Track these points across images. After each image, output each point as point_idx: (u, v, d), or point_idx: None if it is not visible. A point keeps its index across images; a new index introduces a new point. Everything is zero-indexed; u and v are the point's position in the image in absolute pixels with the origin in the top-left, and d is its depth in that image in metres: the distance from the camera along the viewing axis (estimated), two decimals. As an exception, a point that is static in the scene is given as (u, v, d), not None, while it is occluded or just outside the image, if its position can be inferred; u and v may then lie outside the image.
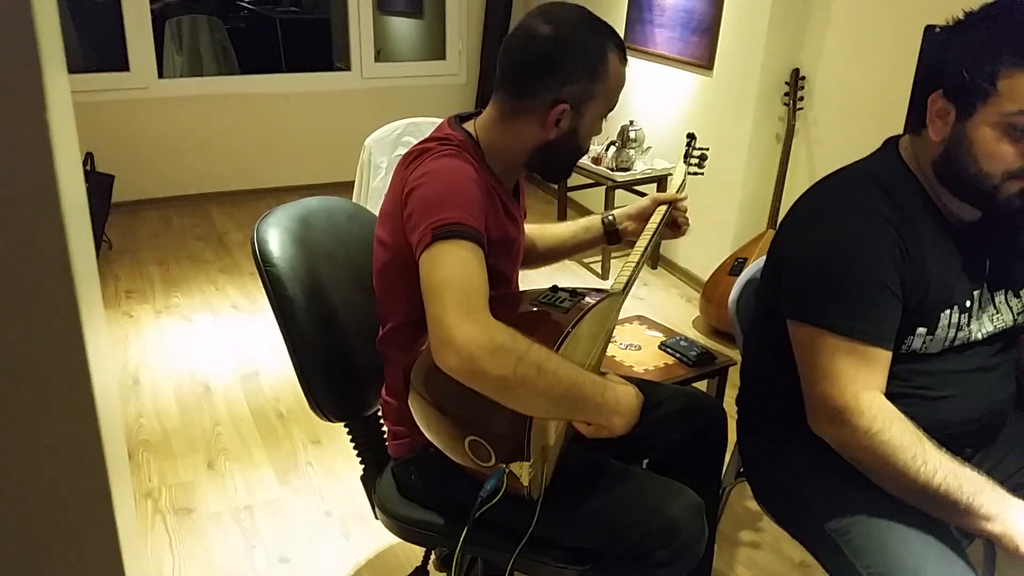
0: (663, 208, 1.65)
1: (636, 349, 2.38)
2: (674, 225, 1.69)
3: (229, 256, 4.08)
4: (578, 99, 1.33)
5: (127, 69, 4.49)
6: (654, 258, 4.08)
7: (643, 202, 1.69)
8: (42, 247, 0.50)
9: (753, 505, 1.56)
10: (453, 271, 1.14)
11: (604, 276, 3.96)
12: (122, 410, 2.75)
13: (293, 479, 2.43)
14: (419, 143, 1.35)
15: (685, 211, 1.70)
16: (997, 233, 1.38)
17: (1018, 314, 1.40)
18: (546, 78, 1.31)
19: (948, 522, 1.24)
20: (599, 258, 4.07)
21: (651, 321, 2.58)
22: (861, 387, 1.26)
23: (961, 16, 1.28)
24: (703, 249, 3.75)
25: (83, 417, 0.56)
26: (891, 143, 1.42)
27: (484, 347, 1.09)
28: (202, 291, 3.69)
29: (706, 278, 3.46)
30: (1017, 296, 1.40)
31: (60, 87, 0.52)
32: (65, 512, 0.58)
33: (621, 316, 2.59)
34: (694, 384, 2.25)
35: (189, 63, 5.61)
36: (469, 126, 1.40)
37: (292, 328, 1.43)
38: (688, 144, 1.87)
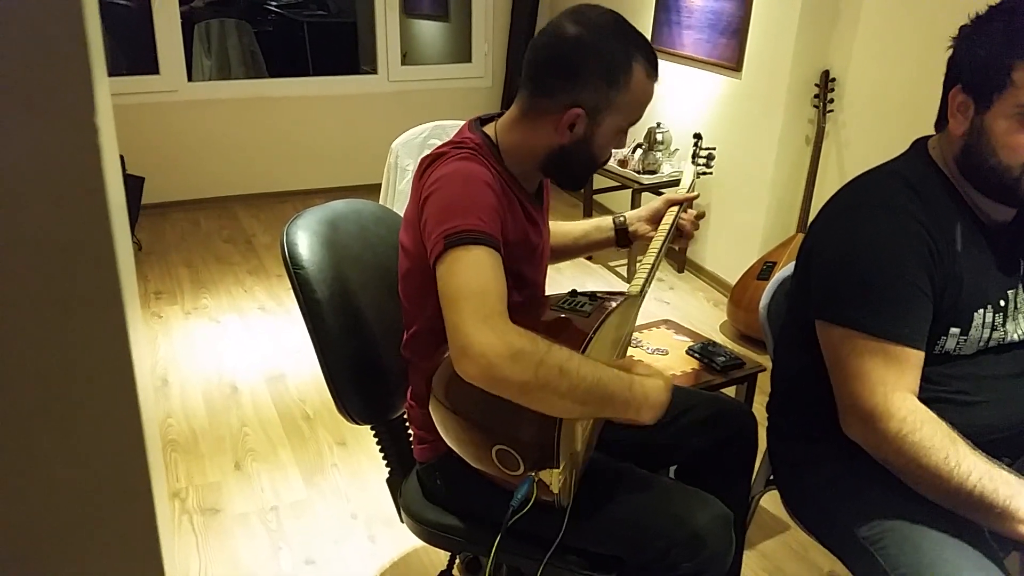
0: (675, 209, 1.63)
1: (664, 354, 2.36)
2: (680, 231, 1.67)
3: (256, 258, 4.11)
4: (595, 106, 1.29)
5: (157, 72, 4.55)
6: (680, 261, 4.06)
7: (655, 203, 1.67)
8: (91, 247, 0.51)
9: (781, 512, 1.54)
10: (468, 278, 1.13)
11: (630, 280, 3.94)
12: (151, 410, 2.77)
13: (319, 481, 2.44)
14: (436, 148, 1.34)
15: (694, 215, 1.68)
16: None
17: (1055, 317, 1.38)
18: (563, 79, 1.28)
19: (984, 526, 1.21)
20: (625, 261, 4.05)
21: (678, 325, 2.56)
22: (891, 387, 1.24)
23: (981, 12, 1.28)
24: (730, 252, 3.72)
25: (128, 416, 0.56)
26: (920, 143, 1.40)
27: (503, 354, 1.08)
28: (230, 293, 3.72)
29: (734, 282, 3.43)
30: (1053, 298, 1.38)
31: (104, 91, 0.53)
32: (109, 510, 0.59)
33: (648, 320, 2.58)
34: (722, 390, 2.22)
35: (217, 66, 5.67)
36: (489, 128, 1.38)
37: (320, 330, 1.43)
38: (695, 144, 1.86)
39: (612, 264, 4.11)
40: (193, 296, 3.68)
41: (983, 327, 1.31)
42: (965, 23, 1.30)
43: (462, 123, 1.43)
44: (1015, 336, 1.34)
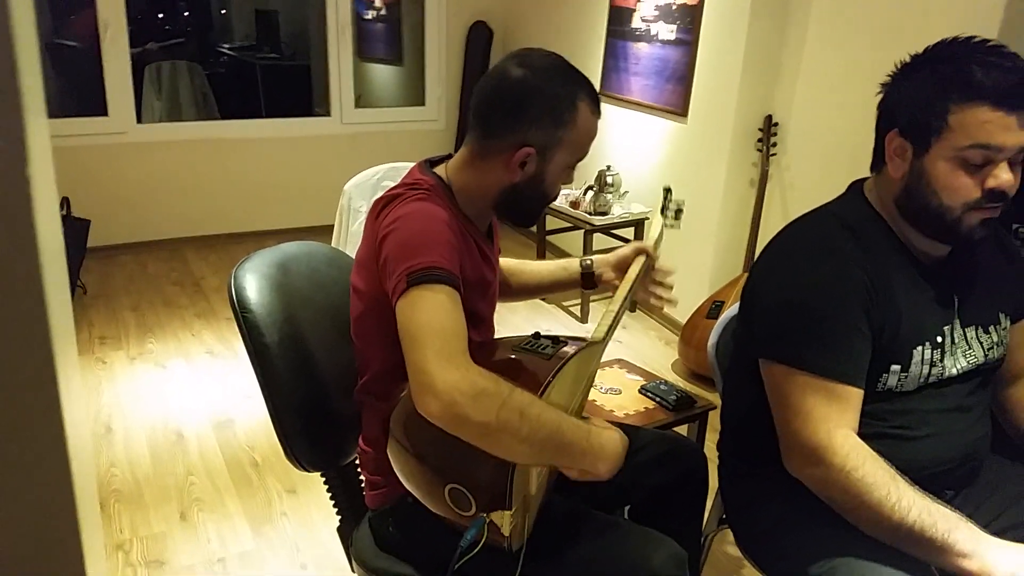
0: (642, 259, 1.66)
1: (616, 393, 2.38)
2: (655, 290, 1.69)
3: (205, 301, 4.05)
4: (544, 144, 1.32)
5: (106, 114, 4.49)
6: (632, 302, 4.10)
7: (623, 251, 1.69)
8: (18, 295, 0.49)
9: (735, 551, 1.55)
10: (431, 316, 1.14)
11: (583, 319, 3.97)
12: (94, 459, 2.69)
13: (268, 530, 2.38)
14: (389, 190, 1.35)
15: (670, 288, 1.70)
16: (964, 269, 1.40)
17: (988, 350, 1.42)
18: (512, 120, 1.31)
19: (925, 561, 1.23)
20: (579, 301, 4.08)
21: (631, 364, 2.58)
22: (834, 425, 1.26)
23: (907, 60, 1.32)
24: (681, 292, 3.74)
25: (55, 470, 0.54)
26: (856, 186, 1.45)
27: (466, 392, 1.08)
28: (177, 337, 3.65)
29: (684, 321, 3.47)
30: (987, 332, 1.42)
31: (41, 133, 0.52)
32: (35, 568, 0.56)
33: (602, 360, 2.59)
34: (675, 428, 2.24)
35: (168, 108, 5.63)
36: (440, 170, 1.40)
37: (269, 375, 1.41)
38: (665, 198, 1.88)
39: (566, 304, 4.13)
40: (139, 341, 3.59)
41: (923, 363, 1.35)
42: (894, 70, 1.35)
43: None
44: (954, 371, 1.38)
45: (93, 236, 4.16)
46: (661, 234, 1.80)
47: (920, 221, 1.33)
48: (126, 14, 4.35)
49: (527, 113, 1.30)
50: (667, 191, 1.89)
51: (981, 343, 1.41)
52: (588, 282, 1.71)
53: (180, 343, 3.59)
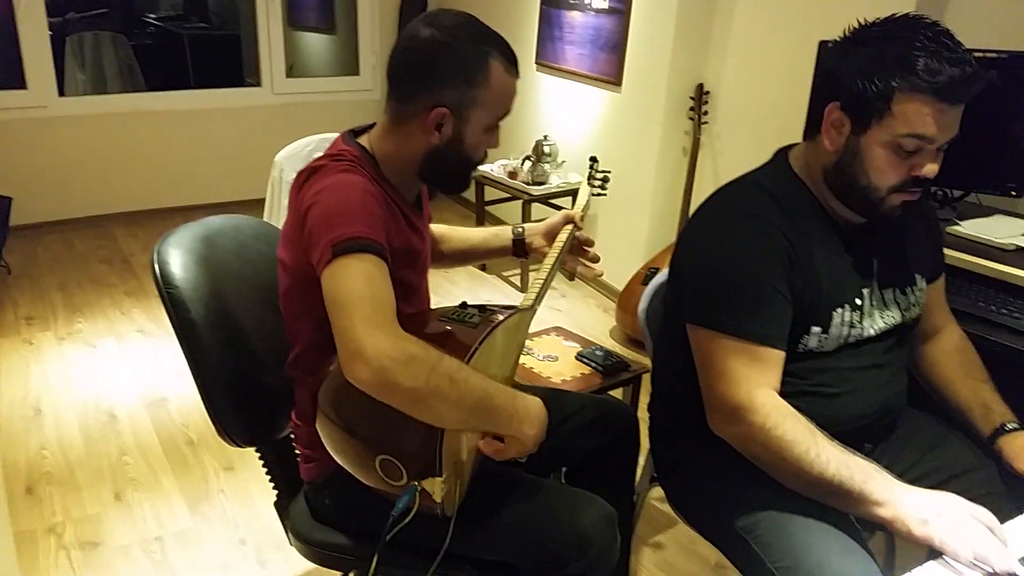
0: (570, 227, 1.67)
1: (553, 360, 2.41)
2: (582, 257, 1.71)
3: (135, 279, 3.95)
4: (458, 104, 1.30)
5: (24, 87, 4.31)
6: (570, 272, 4.13)
7: (553, 219, 1.71)
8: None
9: (668, 509, 1.60)
10: (358, 285, 1.13)
11: (523, 289, 3.99)
12: (23, 442, 2.62)
13: (205, 508, 2.36)
14: (312, 161, 1.33)
15: (596, 259, 1.72)
16: (883, 234, 1.45)
17: (905, 310, 1.47)
18: (424, 82, 1.29)
19: (845, 511, 1.28)
20: (518, 271, 4.10)
21: (568, 332, 2.61)
22: (755, 385, 1.30)
23: (856, 27, 1.33)
24: (618, 260, 3.82)
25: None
26: (781, 153, 1.48)
27: (396, 358, 1.08)
28: (107, 316, 3.56)
29: (621, 288, 3.52)
30: (904, 294, 1.47)
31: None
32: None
33: (539, 328, 2.62)
34: (610, 392, 2.28)
35: (92, 80, 5.42)
36: (364, 139, 1.39)
37: (196, 351, 1.39)
38: (591, 167, 1.91)
39: (506, 274, 4.14)
40: (67, 321, 3.50)
41: (842, 325, 1.39)
42: (837, 37, 1.35)
43: None
44: (872, 331, 1.43)
45: (15, 214, 4.02)
46: (588, 202, 1.82)
47: (845, 195, 1.36)
48: (40, -19, 4.17)
49: (438, 73, 1.28)
50: (593, 160, 1.92)
51: (898, 304, 1.47)
52: (519, 250, 1.72)
53: (110, 322, 3.50)
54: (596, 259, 1.72)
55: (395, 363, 1.08)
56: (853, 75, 1.28)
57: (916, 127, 1.24)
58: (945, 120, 1.25)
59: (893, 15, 1.31)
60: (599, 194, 1.89)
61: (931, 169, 1.29)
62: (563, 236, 1.65)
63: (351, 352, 1.09)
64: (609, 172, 1.91)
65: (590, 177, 1.90)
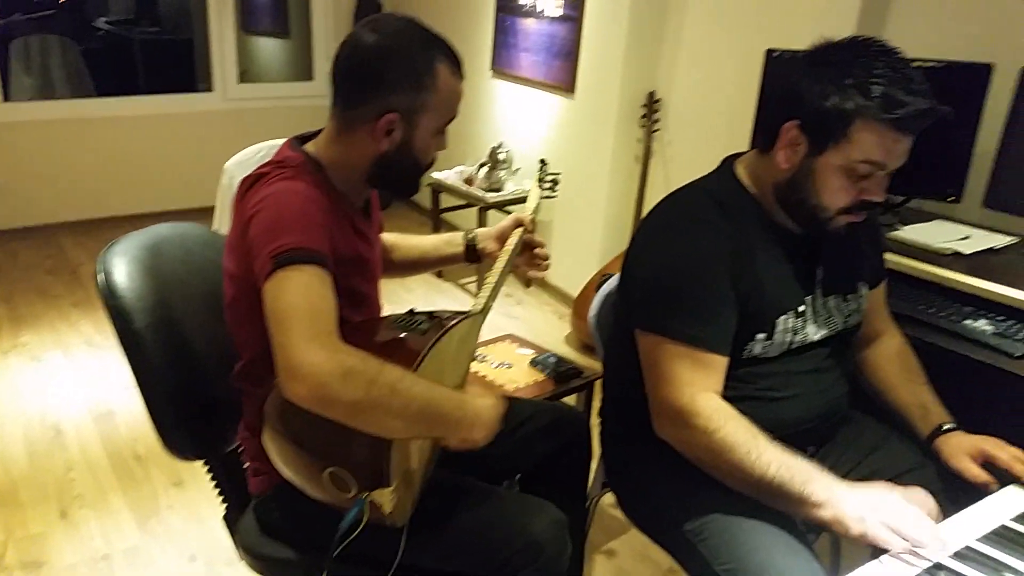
0: (520, 231, 1.68)
1: (508, 367, 2.41)
2: (532, 259, 1.71)
3: (83, 289, 3.86)
4: (408, 109, 1.30)
5: (-34, 92, 4.21)
6: (527, 278, 4.15)
7: (504, 222, 1.71)
8: None
9: (621, 514, 1.61)
10: (297, 297, 1.12)
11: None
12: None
13: (154, 524, 2.31)
14: (256, 169, 1.31)
15: (545, 257, 1.73)
16: (827, 242, 1.48)
17: (847, 316, 1.51)
18: (372, 87, 1.29)
19: (787, 512, 1.30)
20: (475, 278, 4.10)
21: (522, 339, 2.62)
22: (698, 389, 1.33)
23: (819, 46, 1.34)
24: (573, 267, 3.84)
25: None
26: (728, 161, 1.50)
27: (333, 372, 1.07)
28: (53, 328, 3.47)
29: (576, 295, 3.54)
30: (846, 300, 1.51)
31: None
32: None
33: (494, 335, 2.62)
34: (564, 399, 2.29)
35: (39, 85, 5.30)
36: (310, 147, 1.38)
37: (141, 363, 1.37)
38: (540, 169, 1.92)
39: (462, 282, 4.14)
40: (12, 333, 3.41)
41: (786, 331, 1.42)
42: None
43: None
44: (815, 337, 1.46)
45: (-44, 223, 3.91)
46: (539, 204, 1.83)
47: (793, 210, 1.39)
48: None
49: (386, 78, 1.28)
50: (542, 163, 1.94)
51: (841, 310, 1.50)
52: (472, 255, 1.72)
53: (57, 334, 3.42)
54: (546, 257, 1.73)
55: (332, 377, 1.07)
56: (814, 96, 1.30)
57: (871, 154, 1.28)
58: (899, 148, 1.29)
59: (856, 38, 1.33)
60: (549, 196, 1.90)
61: (881, 196, 1.33)
62: (513, 239, 1.66)
63: (287, 369, 1.08)
64: (559, 174, 1.93)
65: (540, 180, 1.91)
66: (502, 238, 1.70)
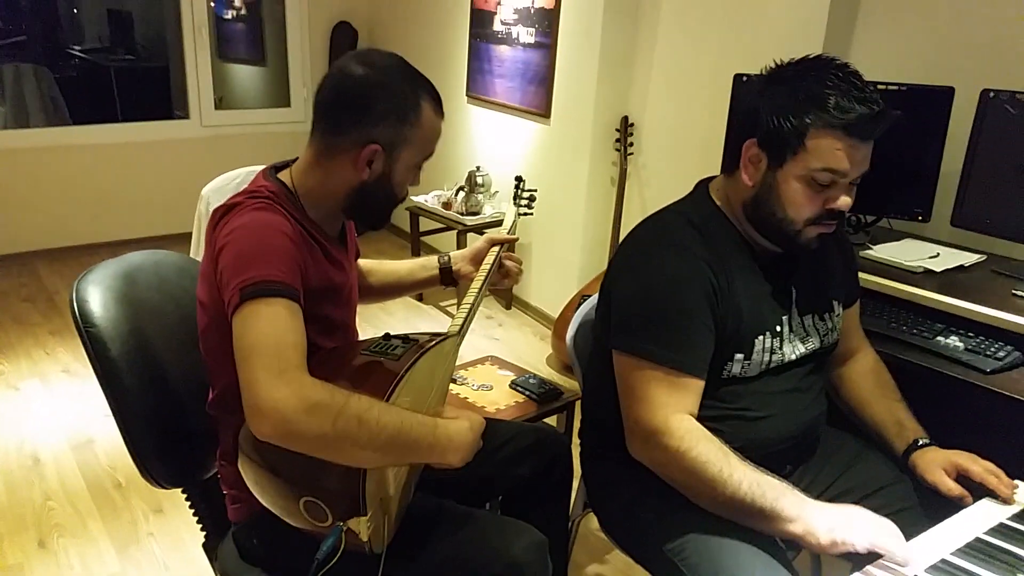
0: (495, 249, 1.70)
1: (488, 389, 2.41)
2: (504, 271, 1.73)
3: (60, 317, 3.83)
4: (390, 142, 1.32)
5: (-61, 121, 4.18)
6: (508, 298, 4.16)
7: (478, 244, 1.73)
8: None
9: (604, 535, 1.62)
10: (262, 331, 1.12)
11: (459, 319, 3.99)
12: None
13: (134, 552, 2.29)
14: (229, 198, 1.32)
15: (519, 262, 1.75)
16: (802, 263, 1.51)
17: (824, 336, 1.53)
18: (358, 117, 1.30)
19: (760, 530, 1.32)
20: (454, 301, 4.10)
21: (502, 361, 2.62)
22: (672, 410, 1.34)
23: (772, 67, 1.39)
24: (552, 288, 3.87)
25: None
26: (702, 184, 1.53)
27: (297, 408, 1.07)
28: (30, 356, 3.44)
29: (556, 315, 3.56)
30: (822, 319, 1.53)
31: None
32: None
33: (474, 357, 2.63)
34: (544, 420, 2.30)
35: (13, 114, 5.28)
36: (285, 175, 1.38)
37: (117, 391, 1.36)
38: (516, 187, 1.94)
39: (443, 304, 4.14)
40: (-13, 362, 3.37)
41: (764, 351, 1.44)
42: (746, 74, 1.42)
43: None
44: (792, 356, 1.48)
45: (-70, 252, 3.87)
46: (516, 222, 1.85)
47: (763, 227, 1.42)
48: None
49: (373, 110, 1.30)
50: (519, 179, 1.95)
51: (817, 330, 1.52)
52: (447, 278, 1.74)
53: (34, 363, 3.38)
54: (520, 273, 1.75)
55: (296, 413, 1.07)
56: (769, 112, 1.34)
57: (829, 162, 1.31)
58: (856, 155, 1.31)
59: (807, 56, 1.38)
60: (526, 213, 1.92)
61: (844, 202, 1.35)
62: (489, 259, 1.68)
63: (252, 406, 1.08)
64: (535, 191, 1.94)
65: (516, 197, 1.92)
66: (477, 259, 1.72)
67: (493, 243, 1.71)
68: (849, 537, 1.20)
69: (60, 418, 2.96)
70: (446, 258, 1.74)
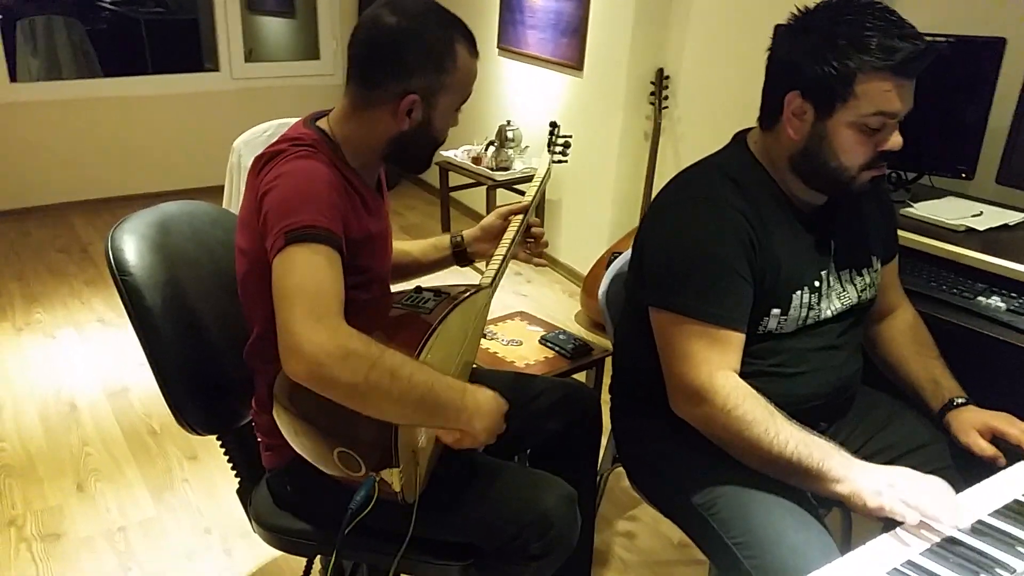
0: (518, 218, 1.67)
1: (518, 344, 2.42)
2: (529, 238, 1.71)
3: (94, 267, 3.89)
4: (428, 90, 1.31)
5: (-27, 73, 4.21)
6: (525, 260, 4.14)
7: (487, 219, 1.70)
8: None
9: (632, 489, 1.62)
10: (304, 276, 1.12)
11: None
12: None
13: (169, 497, 2.34)
14: (270, 145, 1.31)
15: (541, 236, 1.73)
16: (840, 216, 1.48)
17: (861, 291, 1.50)
18: (393, 69, 1.29)
19: (803, 488, 1.31)
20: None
21: (532, 316, 2.62)
22: (715, 367, 1.32)
23: (799, 14, 1.34)
24: (582, 245, 3.84)
25: None
26: (740, 137, 1.50)
27: (333, 353, 1.07)
28: (66, 305, 3.50)
29: (586, 272, 3.54)
30: (860, 275, 1.50)
31: None
32: None
33: (504, 313, 2.63)
34: (574, 375, 2.30)
35: (46, 66, 5.30)
36: (323, 123, 1.37)
37: (152, 339, 1.38)
38: (551, 133, 1.89)
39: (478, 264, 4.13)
40: (25, 311, 3.43)
41: (801, 307, 1.42)
42: (783, 23, 1.37)
43: None
44: (829, 312, 1.46)
45: (-33, 203, 3.94)
46: (549, 170, 1.81)
47: (814, 178, 1.38)
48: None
49: (407, 61, 1.28)
50: (553, 124, 1.90)
51: (855, 285, 1.49)
52: (462, 258, 1.72)
53: (69, 312, 3.44)
54: (544, 245, 1.73)
55: (332, 358, 1.07)
56: (810, 62, 1.29)
57: (880, 105, 1.27)
58: (904, 94, 1.28)
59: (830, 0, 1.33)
60: (560, 161, 1.88)
61: (896, 141, 1.32)
62: (513, 228, 1.65)
63: (288, 346, 1.08)
64: (570, 137, 1.90)
65: (550, 143, 1.89)
66: (489, 235, 1.69)
67: (510, 213, 1.68)
68: (897, 507, 1.17)
69: (96, 366, 3.02)
70: (459, 238, 1.71)
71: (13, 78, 4.37)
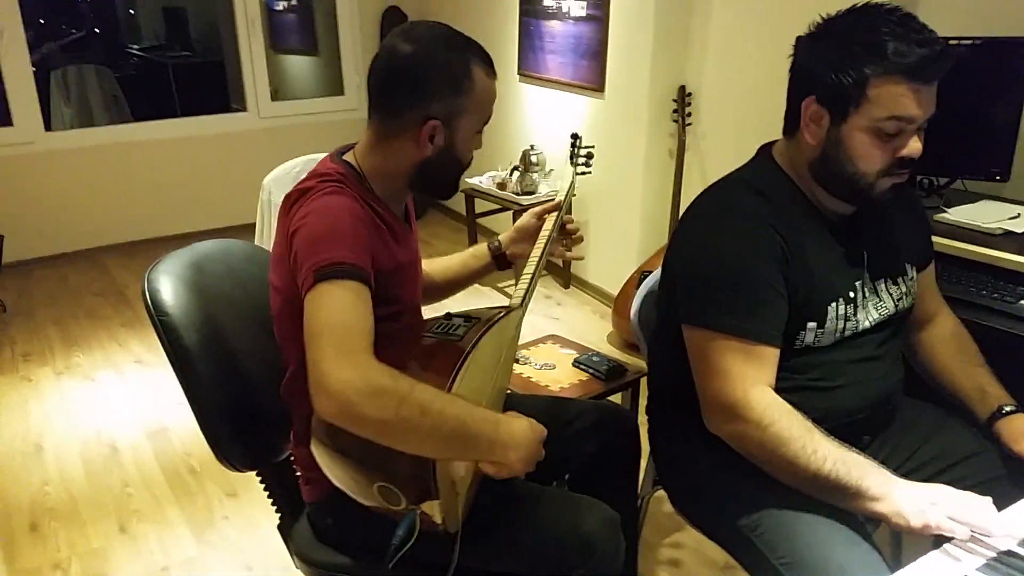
0: (553, 216, 1.67)
1: (551, 368, 2.41)
2: (565, 235, 1.71)
3: (130, 309, 3.95)
4: (448, 114, 1.32)
5: (11, 124, 4.32)
6: (566, 278, 4.14)
7: (521, 220, 1.71)
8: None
9: (674, 511, 1.60)
10: (332, 313, 1.13)
11: (518, 299, 3.98)
12: (24, 479, 2.61)
13: (210, 535, 2.35)
14: (300, 182, 1.33)
15: (576, 231, 1.73)
16: (871, 225, 1.46)
17: (898, 300, 1.48)
18: (411, 97, 1.30)
19: (842, 507, 1.28)
20: (511, 281, 4.10)
21: (564, 339, 2.61)
22: (751, 383, 1.30)
23: (820, 21, 1.34)
24: (611, 265, 3.83)
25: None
26: (765, 150, 1.49)
27: (362, 391, 1.07)
28: (104, 348, 3.55)
29: (616, 293, 3.53)
30: (896, 283, 1.48)
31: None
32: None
33: (535, 336, 2.62)
34: (609, 397, 2.28)
35: (78, 114, 5.44)
36: (350, 156, 1.39)
37: (191, 378, 1.39)
38: (573, 145, 1.89)
39: (500, 285, 4.14)
40: (64, 355, 3.49)
41: (837, 319, 1.39)
42: (803, 34, 1.37)
43: None
44: (867, 323, 1.43)
45: (7, 252, 4.02)
46: (573, 183, 1.81)
47: (834, 185, 1.37)
48: (22, 18, 4.18)
49: (425, 86, 1.29)
50: (575, 136, 1.90)
51: (891, 294, 1.47)
52: (502, 263, 1.72)
53: (107, 354, 3.49)
54: (576, 231, 1.73)
55: (361, 395, 1.07)
56: (825, 68, 1.30)
57: (894, 109, 1.26)
58: (921, 99, 1.26)
59: (855, 6, 1.33)
60: (584, 172, 1.88)
61: (915, 147, 1.30)
62: (549, 224, 1.66)
63: (317, 385, 1.09)
64: (592, 147, 1.89)
65: (572, 156, 1.88)
66: (524, 236, 1.70)
67: (544, 212, 1.69)
68: (944, 523, 1.14)
69: (135, 407, 3.06)
70: (496, 243, 1.72)
71: (48, 127, 4.48)
